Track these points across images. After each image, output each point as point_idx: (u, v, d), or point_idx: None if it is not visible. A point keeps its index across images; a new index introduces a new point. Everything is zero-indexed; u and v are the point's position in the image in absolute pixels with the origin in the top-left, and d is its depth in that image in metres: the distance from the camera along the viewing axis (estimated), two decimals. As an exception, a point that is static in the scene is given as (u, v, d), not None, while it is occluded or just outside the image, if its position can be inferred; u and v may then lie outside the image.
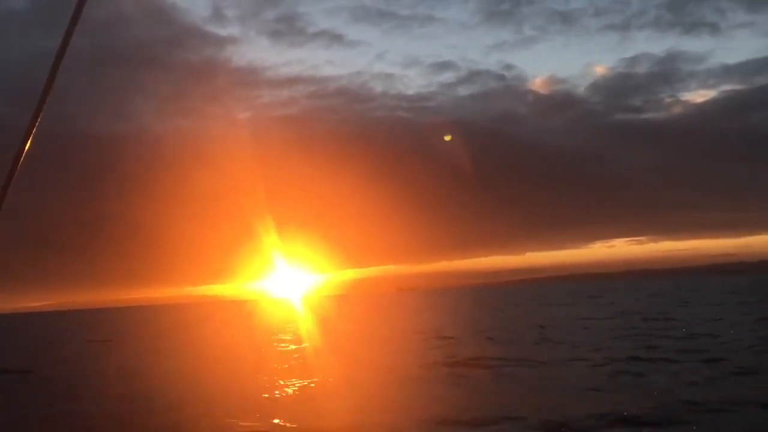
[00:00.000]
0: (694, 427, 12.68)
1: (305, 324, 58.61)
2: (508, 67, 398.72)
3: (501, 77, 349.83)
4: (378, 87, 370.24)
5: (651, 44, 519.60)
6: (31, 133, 2.27)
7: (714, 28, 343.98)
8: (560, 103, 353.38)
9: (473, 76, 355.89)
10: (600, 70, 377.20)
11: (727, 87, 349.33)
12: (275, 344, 38.56)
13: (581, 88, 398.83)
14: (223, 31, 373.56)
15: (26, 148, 2.26)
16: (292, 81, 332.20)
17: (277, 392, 19.56)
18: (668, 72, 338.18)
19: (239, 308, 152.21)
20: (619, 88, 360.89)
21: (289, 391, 19.86)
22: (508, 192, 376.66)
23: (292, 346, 36.44)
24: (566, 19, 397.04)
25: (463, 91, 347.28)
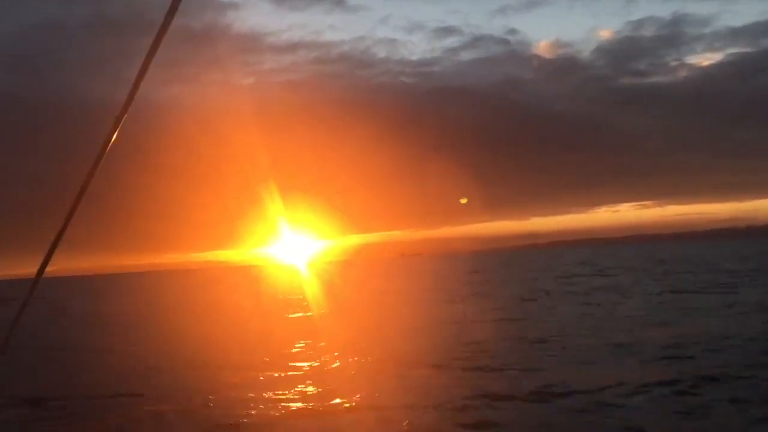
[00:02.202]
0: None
1: (311, 289, 60.13)
2: (512, 31, 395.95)
3: (505, 42, 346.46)
4: (381, 52, 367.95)
5: (656, 7, 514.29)
6: (121, 120, 2.25)
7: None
8: (565, 67, 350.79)
9: (477, 40, 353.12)
10: (605, 33, 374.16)
11: (734, 50, 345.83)
12: (285, 309, 40.02)
13: (586, 53, 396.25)
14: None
15: (114, 135, 2.28)
16: (294, 46, 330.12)
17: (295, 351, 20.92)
18: (674, 35, 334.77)
19: (245, 273, 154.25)
20: (625, 51, 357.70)
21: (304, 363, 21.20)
22: (513, 157, 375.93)
23: (300, 314, 37.92)
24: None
25: (467, 56, 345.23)
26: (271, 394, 14.99)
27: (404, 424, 11.86)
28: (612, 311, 28.38)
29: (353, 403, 13.74)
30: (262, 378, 17.09)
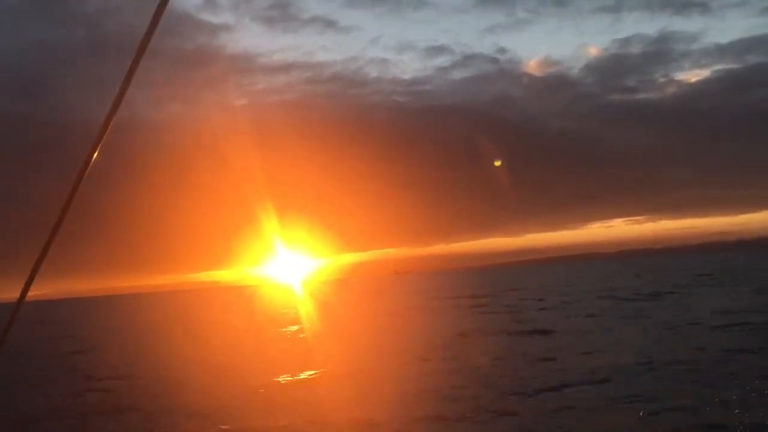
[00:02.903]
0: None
1: (305, 309, 59.91)
2: (502, 50, 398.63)
3: (495, 60, 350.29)
4: (373, 72, 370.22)
5: (643, 25, 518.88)
6: (101, 138, 2.20)
7: (705, 8, 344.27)
8: (555, 85, 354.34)
9: (467, 59, 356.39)
10: (593, 51, 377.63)
11: (721, 66, 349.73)
12: (277, 329, 39.83)
13: (575, 70, 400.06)
14: (216, 19, 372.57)
15: (97, 149, 2.21)
16: (286, 67, 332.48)
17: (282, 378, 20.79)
18: (661, 52, 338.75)
19: (240, 294, 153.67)
20: (613, 69, 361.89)
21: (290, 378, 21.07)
22: (505, 174, 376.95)
23: (293, 327, 37.71)
24: (559, 1, 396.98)
25: (458, 74, 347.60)
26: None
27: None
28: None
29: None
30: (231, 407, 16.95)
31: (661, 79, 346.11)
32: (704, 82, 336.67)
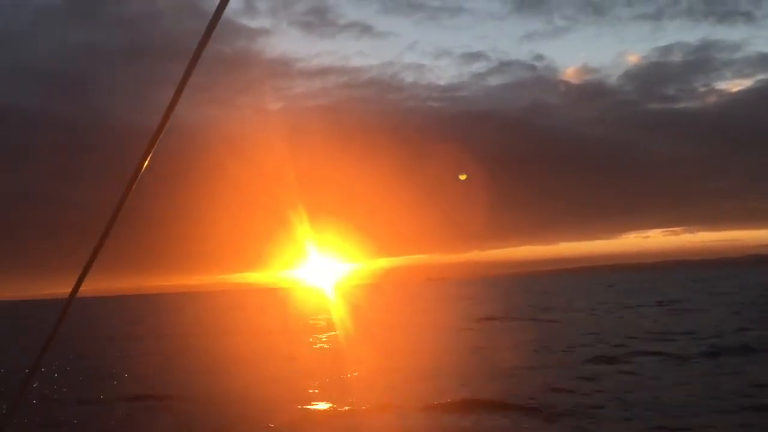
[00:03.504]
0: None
1: (337, 312, 60.18)
2: (539, 57, 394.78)
3: (532, 67, 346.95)
4: (409, 77, 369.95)
5: (684, 33, 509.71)
6: (155, 142, 2.25)
7: (749, 17, 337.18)
8: (592, 92, 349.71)
9: (504, 66, 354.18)
10: (633, 59, 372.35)
11: (763, 76, 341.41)
12: (309, 334, 40.06)
13: (613, 78, 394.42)
14: (254, 23, 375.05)
15: (152, 150, 2.25)
16: (323, 72, 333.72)
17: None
18: (702, 61, 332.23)
19: (273, 295, 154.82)
20: (653, 77, 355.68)
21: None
22: (541, 182, 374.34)
23: (324, 336, 37.88)
24: (598, 8, 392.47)
25: (494, 81, 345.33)
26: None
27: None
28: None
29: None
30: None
31: (702, 89, 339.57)
32: (746, 92, 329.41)
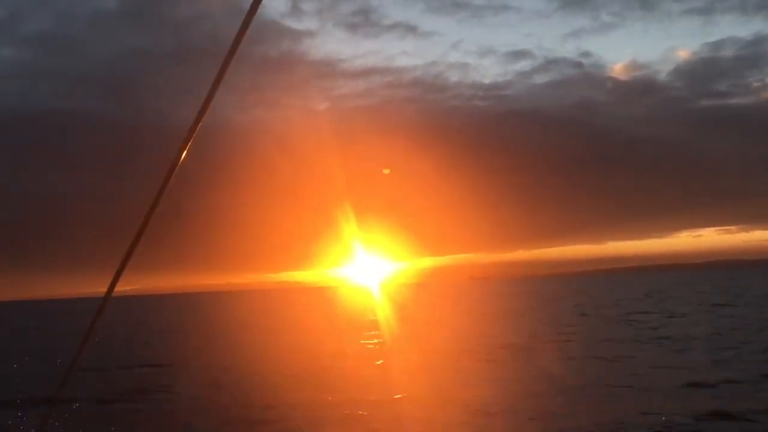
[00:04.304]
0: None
1: (383, 312, 60.20)
2: (586, 54, 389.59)
3: (578, 65, 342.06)
4: (453, 76, 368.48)
5: (736, 28, 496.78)
6: (189, 140, 2.26)
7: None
8: (641, 89, 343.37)
9: (549, 64, 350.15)
10: (683, 54, 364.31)
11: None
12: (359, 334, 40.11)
13: (663, 74, 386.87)
14: (300, 25, 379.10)
15: (185, 150, 2.27)
16: (367, 72, 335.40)
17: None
18: (755, 56, 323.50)
19: (320, 294, 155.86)
20: (703, 73, 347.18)
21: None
22: (589, 180, 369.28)
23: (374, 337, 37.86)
24: (645, 4, 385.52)
25: (540, 79, 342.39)
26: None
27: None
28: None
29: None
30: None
31: (756, 84, 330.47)
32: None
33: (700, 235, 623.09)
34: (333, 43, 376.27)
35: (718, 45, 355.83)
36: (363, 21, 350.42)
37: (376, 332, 38.21)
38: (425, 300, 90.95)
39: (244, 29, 2.11)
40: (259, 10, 2.07)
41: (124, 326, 50.85)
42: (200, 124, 2.24)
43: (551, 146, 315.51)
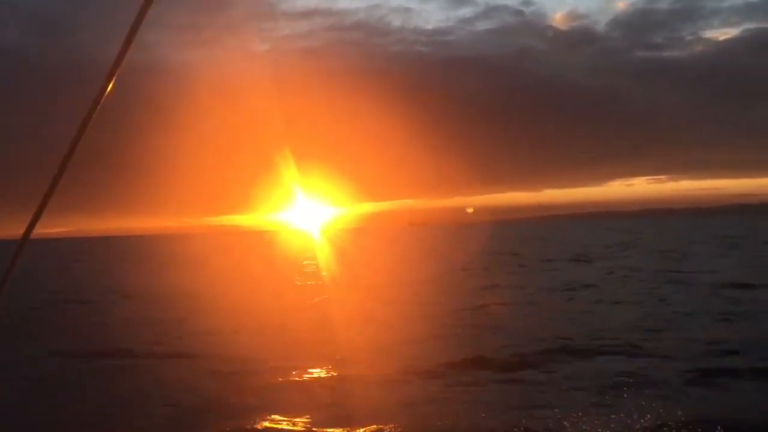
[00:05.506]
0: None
1: (323, 256, 60.40)
2: (527, 2, 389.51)
3: (519, 12, 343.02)
4: (396, 21, 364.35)
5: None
6: (113, 77, 2.09)
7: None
8: (580, 39, 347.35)
9: (491, 11, 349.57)
10: (621, 5, 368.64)
11: (751, 25, 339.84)
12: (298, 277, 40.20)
13: (601, 24, 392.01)
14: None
15: (107, 89, 2.10)
16: (309, 14, 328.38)
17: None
18: (690, 9, 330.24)
19: (259, 238, 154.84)
20: (640, 24, 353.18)
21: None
22: (526, 128, 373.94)
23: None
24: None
25: (482, 26, 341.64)
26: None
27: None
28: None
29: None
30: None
31: (689, 37, 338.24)
32: (733, 41, 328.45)
33: (632, 184, 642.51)
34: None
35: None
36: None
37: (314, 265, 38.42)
38: (365, 244, 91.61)
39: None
40: None
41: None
42: (123, 62, 2.09)
43: (492, 94, 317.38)
